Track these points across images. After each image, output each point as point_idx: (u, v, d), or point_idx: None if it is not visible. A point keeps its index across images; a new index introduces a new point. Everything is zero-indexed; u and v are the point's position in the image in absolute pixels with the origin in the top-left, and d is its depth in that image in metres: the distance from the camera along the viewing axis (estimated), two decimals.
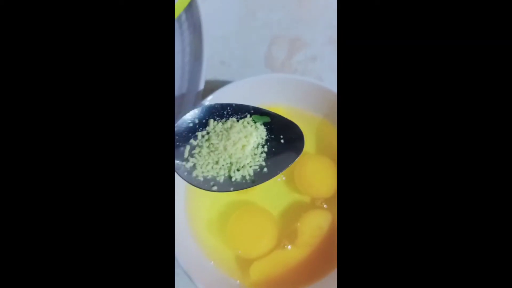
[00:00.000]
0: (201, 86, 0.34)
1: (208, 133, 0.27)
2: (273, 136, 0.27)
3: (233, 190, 0.26)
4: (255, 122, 0.27)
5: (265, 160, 0.27)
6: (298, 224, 0.30)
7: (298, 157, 0.26)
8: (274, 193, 0.31)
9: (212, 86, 0.36)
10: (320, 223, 0.30)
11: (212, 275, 0.29)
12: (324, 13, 0.39)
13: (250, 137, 0.27)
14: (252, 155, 0.27)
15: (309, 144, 0.32)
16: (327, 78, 0.38)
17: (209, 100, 0.30)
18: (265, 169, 0.27)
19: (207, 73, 0.36)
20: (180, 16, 0.37)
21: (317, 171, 0.30)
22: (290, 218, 0.31)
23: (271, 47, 0.39)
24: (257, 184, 0.26)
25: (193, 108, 0.31)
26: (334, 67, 0.38)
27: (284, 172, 0.27)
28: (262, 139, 0.27)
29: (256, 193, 0.31)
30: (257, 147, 0.27)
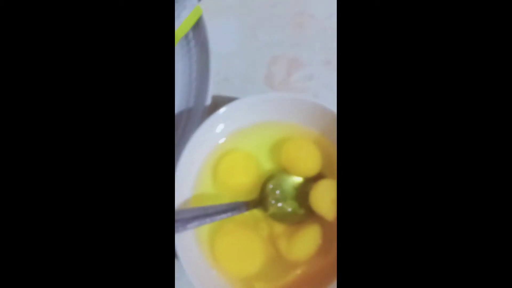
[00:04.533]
0: (208, 101, 0.36)
1: None
2: None
3: None
4: None
5: None
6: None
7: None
8: None
9: (217, 101, 0.38)
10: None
11: (214, 284, 0.31)
12: (321, 35, 0.42)
13: None
14: None
15: (314, 160, 0.34)
16: (323, 96, 0.41)
17: (217, 114, 0.32)
18: None
19: (211, 89, 0.39)
20: (187, 34, 0.40)
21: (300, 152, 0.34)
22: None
23: (270, 66, 0.42)
24: None
25: (200, 121, 0.34)
26: (329, 86, 0.41)
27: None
28: None
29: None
30: None
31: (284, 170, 0.34)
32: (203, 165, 0.34)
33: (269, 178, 0.33)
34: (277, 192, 0.33)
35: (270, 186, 0.33)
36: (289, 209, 0.33)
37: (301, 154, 0.34)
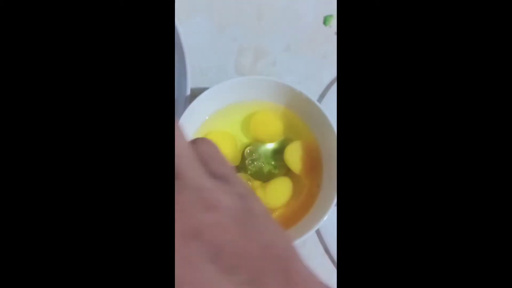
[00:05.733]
0: (188, 92, 0.43)
1: None
2: None
3: None
4: None
5: None
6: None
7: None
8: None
9: (195, 92, 0.44)
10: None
11: None
12: (280, 25, 0.49)
13: None
14: None
15: (277, 126, 0.41)
16: (286, 77, 0.48)
17: (198, 100, 0.38)
18: None
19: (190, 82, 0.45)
20: None
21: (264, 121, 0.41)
22: None
23: (239, 56, 0.48)
24: None
25: (182, 110, 0.40)
26: (290, 69, 0.48)
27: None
28: None
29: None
30: None
31: (255, 139, 0.41)
32: None
33: (246, 147, 0.41)
34: (254, 155, 0.40)
35: (247, 151, 0.40)
36: (263, 166, 0.40)
37: (265, 123, 0.41)
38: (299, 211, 0.39)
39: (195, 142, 0.21)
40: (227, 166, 0.21)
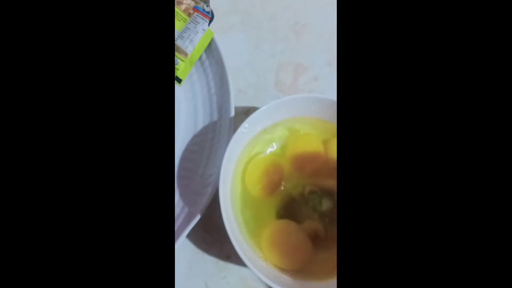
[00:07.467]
0: (232, 113, 0.40)
1: None
2: None
3: None
4: None
5: None
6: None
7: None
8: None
9: (235, 112, 0.42)
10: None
11: (267, 271, 0.35)
12: (319, 40, 0.47)
13: None
14: None
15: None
16: (329, 93, 0.45)
17: (247, 123, 0.36)
18: None
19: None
20: (201, 56, 0.44)
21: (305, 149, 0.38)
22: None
23: (278, 73, 0.46)
24: None
25: (228, 132, 0.38)
26: (333, 84, 0.46)
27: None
28: None
29: None
30: None
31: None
32: (235, 170, 0.38)
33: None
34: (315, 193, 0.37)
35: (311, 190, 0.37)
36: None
37: (306, 151, 0.38)
38: None
39: None
40: None
